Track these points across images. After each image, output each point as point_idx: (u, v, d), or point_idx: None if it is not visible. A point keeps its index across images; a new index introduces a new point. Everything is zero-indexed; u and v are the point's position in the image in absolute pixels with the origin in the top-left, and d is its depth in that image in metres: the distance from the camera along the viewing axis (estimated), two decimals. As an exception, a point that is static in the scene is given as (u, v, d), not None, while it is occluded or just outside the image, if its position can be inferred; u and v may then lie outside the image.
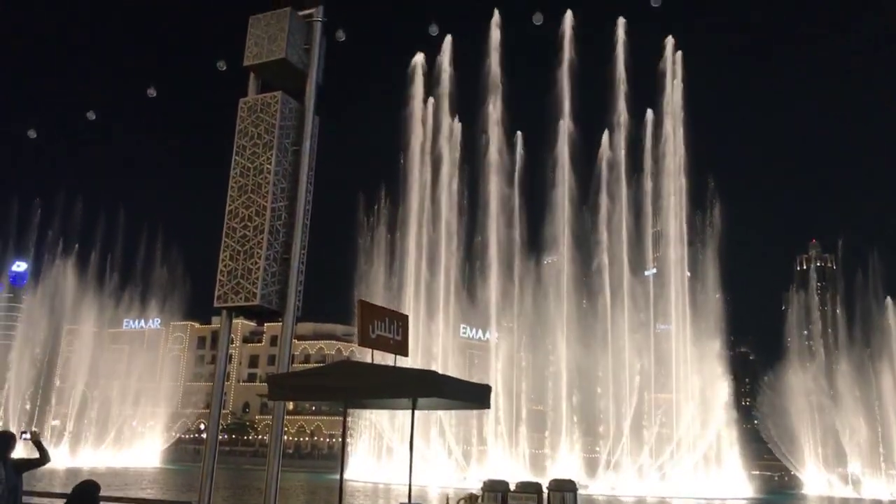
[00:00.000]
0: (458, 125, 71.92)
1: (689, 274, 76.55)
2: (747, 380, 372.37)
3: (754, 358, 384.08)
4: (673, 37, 73.29)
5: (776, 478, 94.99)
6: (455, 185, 71.26)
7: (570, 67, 70.34)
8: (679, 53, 72.92)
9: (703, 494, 52.79)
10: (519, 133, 73.79)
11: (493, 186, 70.22)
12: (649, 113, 71.81)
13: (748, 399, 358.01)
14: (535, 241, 72.68)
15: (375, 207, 76.16)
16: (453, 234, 71.13)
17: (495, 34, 71.35)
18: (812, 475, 79.76)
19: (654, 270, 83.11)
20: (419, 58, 72.96)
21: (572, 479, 8.68)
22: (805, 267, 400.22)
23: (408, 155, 70.76)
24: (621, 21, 71.47)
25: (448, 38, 70.64)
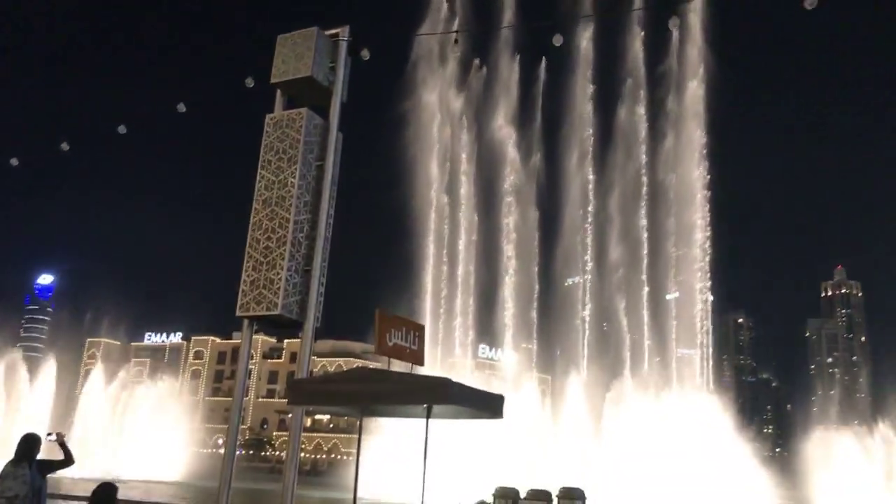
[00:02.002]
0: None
1: (711, 298, 75.73)
2: (769, 407, 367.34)
3: (777, 385, 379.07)
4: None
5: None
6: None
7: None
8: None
9: None
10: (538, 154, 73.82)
11: (513, 213, 70.47)
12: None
13: (770, 426, 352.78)
14: (556, 262, 72.62)
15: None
16: (472, 253, 71.33)
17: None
18: None
19: (677, 294, 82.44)
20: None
21: (581, 487, 8.80)
22: (830, 293, 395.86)
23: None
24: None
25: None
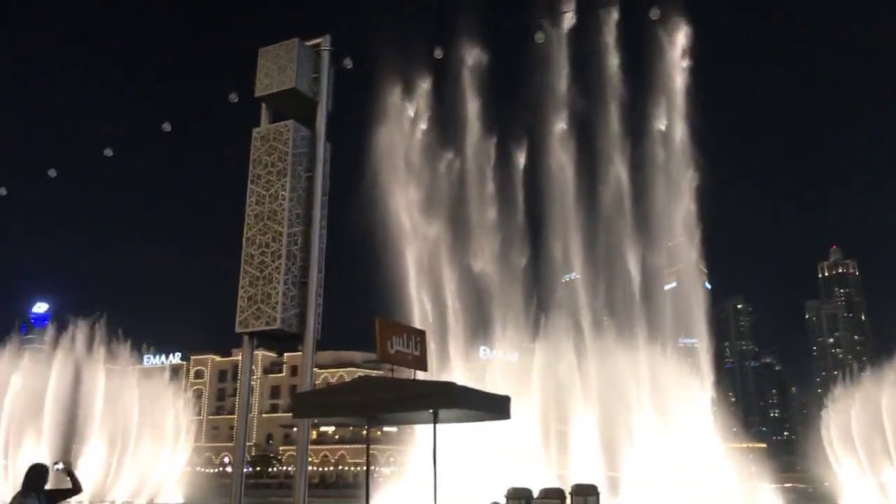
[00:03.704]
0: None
1: (709, 286, 75.71)
2: (774, 391, 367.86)
3: (780, 368, 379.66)
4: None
5: (810, 490, 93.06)
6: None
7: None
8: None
9: None
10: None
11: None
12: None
13: (776, 410, 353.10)
14: (553, 259, 72.40)
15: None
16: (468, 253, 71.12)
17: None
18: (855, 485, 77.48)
19: (674, 284, 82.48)
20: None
21: (594, 483, 8.73)
22: (827, 274, 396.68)
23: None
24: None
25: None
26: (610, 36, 69.54)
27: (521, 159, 73.26)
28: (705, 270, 72.85)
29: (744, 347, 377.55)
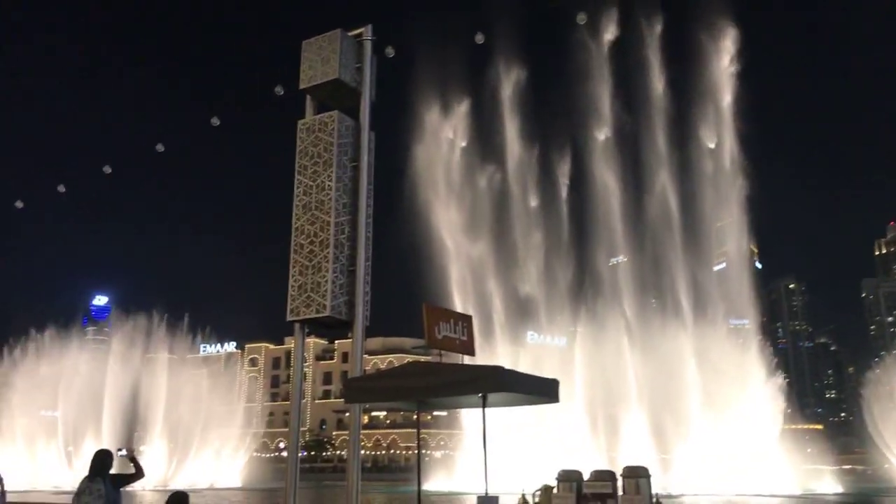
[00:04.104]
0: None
1: (759, 266, 74.56)
2: (830, 371, 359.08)
3: (836, 349, 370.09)
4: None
5: (869, 472, 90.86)
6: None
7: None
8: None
9: (781, 491, 51.06)
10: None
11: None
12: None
13: (833, 391, 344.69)
14: (598, 243, 71.93)
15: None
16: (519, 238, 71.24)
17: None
18: None
19: (724, 265, 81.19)
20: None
21: (645, 465, 8.77)
22: (884, 251, 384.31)
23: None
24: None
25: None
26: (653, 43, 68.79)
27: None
28: (756, 250, 71.34)
29: (797, 328, 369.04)
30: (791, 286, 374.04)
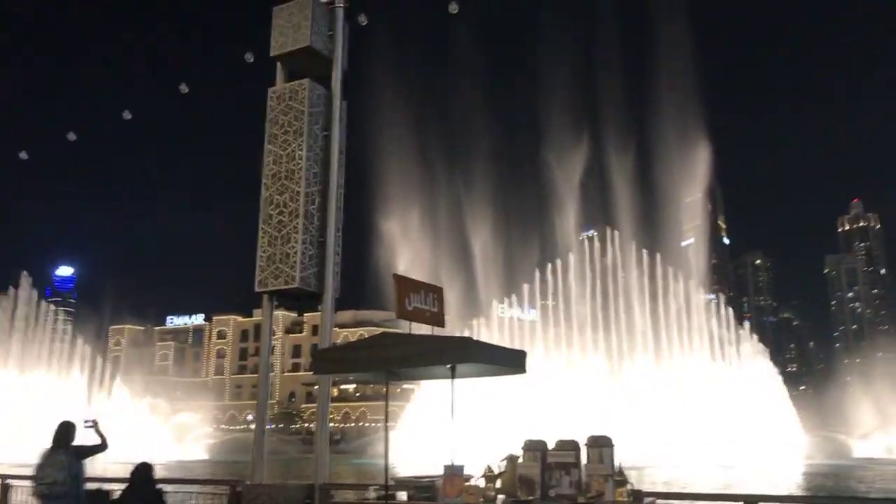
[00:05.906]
0: None
1: (727, 242, 76.23)
2: (792, 346, 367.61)
3: (798, 323, 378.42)
4: None
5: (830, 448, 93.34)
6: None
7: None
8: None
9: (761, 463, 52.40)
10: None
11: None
12: None
13: (794, 365, 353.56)
14: (569, 218, 72.63)
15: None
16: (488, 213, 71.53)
17: None
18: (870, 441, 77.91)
19: (692, 240, 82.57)
20: None
21: (608, 435, 8.93)
22: (847, 228, 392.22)
23: None
24: None
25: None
26: None
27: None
28: (724, 226, 72.73)
29: (762, 302, 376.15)
30: (757, 262, 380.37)
